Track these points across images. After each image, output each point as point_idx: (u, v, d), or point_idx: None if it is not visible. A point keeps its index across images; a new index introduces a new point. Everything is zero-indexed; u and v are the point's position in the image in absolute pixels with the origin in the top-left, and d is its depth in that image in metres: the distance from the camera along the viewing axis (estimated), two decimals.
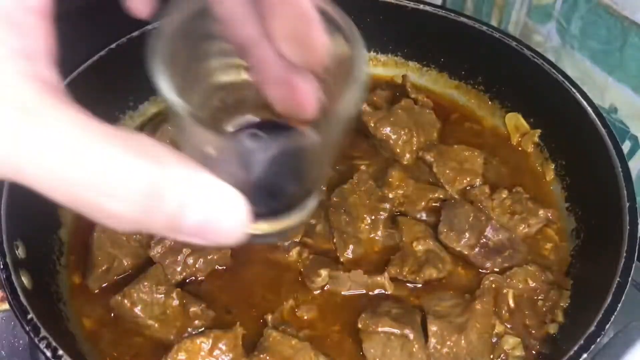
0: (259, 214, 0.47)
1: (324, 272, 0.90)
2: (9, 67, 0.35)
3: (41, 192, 0.36)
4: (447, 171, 1.02)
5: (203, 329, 0.85)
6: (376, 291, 0.91)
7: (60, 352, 0.73)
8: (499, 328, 0.87)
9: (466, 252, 0.93)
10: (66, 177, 0.35)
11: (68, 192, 0.36)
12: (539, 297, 0.90)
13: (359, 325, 0.83)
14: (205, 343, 0.80)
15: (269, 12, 0.51)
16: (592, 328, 0.76)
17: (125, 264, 0.91)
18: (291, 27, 0.50)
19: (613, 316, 0.77)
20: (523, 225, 0.96)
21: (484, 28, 1.09)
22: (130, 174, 0.36)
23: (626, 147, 1.09)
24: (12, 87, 0.35)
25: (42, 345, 0.73)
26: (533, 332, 0.87)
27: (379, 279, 0.90)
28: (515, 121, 1.12)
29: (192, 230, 0.39)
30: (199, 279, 0.91)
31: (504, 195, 0.99)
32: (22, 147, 0.34)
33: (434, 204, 1.00)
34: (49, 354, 0.72)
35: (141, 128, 1.10)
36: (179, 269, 0.89)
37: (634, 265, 0.81)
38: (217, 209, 0.39)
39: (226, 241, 0.40)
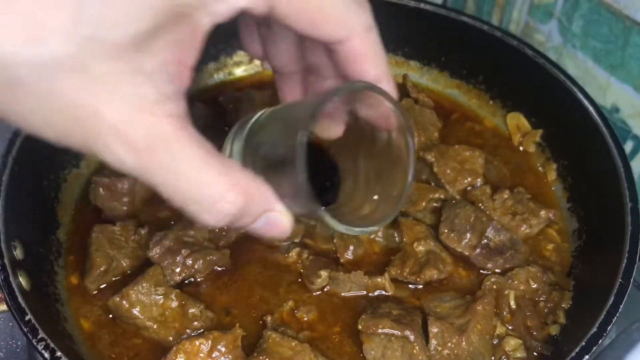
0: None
1: (324, 273, 0.90)
2: (158, 109, 0.49)
3: (161, 193, 0.52)
4: (448, 171, 1.02)
5: (202, 330, 0.85)
6: (376, 292, 0.90)
7: (59, 353, 0.72)
8: (500, 329, 0.86)
9: (467, 253, 0.92)
10: (181, 191, 0.52)
11: (177, 200, 0.53)
12: (541, 298, 0.89)
13: (359, 327, 0.83)
14: (204, 344, 0.80)
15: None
16: (594, 329, 0.76)
17: (124, 264, 0.90)
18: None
19: (615, 317, 0.77)
20: (524, 226, 0.96)
21: (485, 27, 1.08)
22: (228, 205, 0.53)
23: (628, 147, 1.09)
24: (160, 124, 0.50)
25: (40, 347, 0.73)
26: (534, 333, 0.87)
27: (379, 280, 0.89)
28: (516, 121, 1.11)
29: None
30: (198, 280, 0.91)
31: (505, 196, 0.98)
32: (159, 165, 0.50)
33: (434, 204, 0.99)
34: (47, 355, 0.72)
35: None
36: (177, 270, 0.89)
37: (635, 266, 0.81)
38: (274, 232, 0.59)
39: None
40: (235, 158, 0.64)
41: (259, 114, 0.66)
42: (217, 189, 0.52)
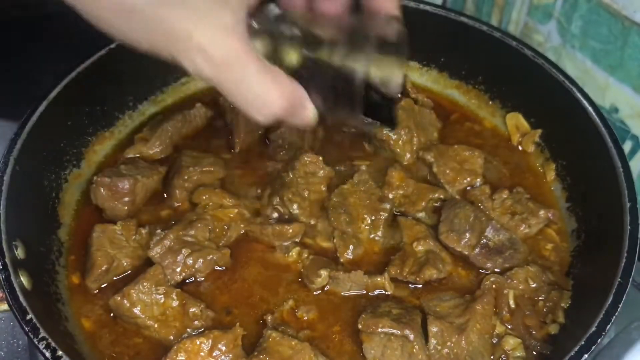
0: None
1: (324, 273, 0.90)
2: (234, 33, 0.65)
3: (226, 97, 0.68)
4: (448, 171, 1.02)
5: (202, 329, 0.85)
6: (376, 292, 0.90)
7: (60, 352, 0.73)
8: (499, 328, 0.87)
9: (466, 253, 0.92)
10: (245, 98, 0.68)
11: (240, 104, 0.68)
12: (540, 298, 0.90)
13: (359, 326, 0.83)
14: (204, 343, 0.80)
15: None
16: (593, 328, 0.76)
17: (125, 264, 0.91)
18: None
19: (614, 317, 0.77)
20: (524, 226, 0.96)
21: (485, 28, 1.09)
22: (277, 109, 0.69)
23: (627, 147, 1.09)
24: (234, 47, 0.65)
25: (41, 346, 0.73)
26: (534, 332, 0.87)
27: (379, 279, 0.89)
28: (515, 121, 1.12)
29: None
30: (199, 279, 0.91)
31: (505, 196, 0.99)
32: (230, 78, 0.66)
33: (434, 204, 1.00)
34: (48, 354, 0.72)
35: (140, 127, 1.10)
36: (178, 269, 0.89)
37: (634, 265, 0.81)
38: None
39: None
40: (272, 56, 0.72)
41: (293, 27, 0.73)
42: (272, 96, 0.67)
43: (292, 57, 0.71)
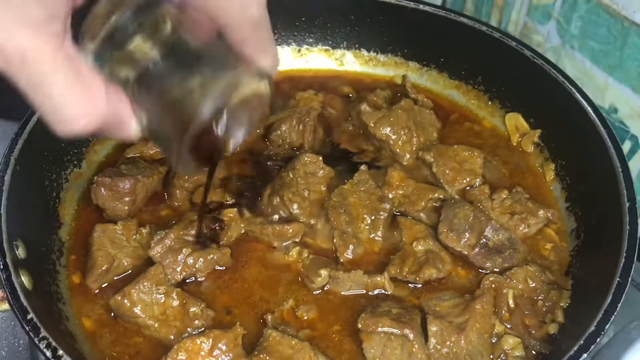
0: None
1: (324, 272, 0.90)
2: (44, 28, 0.55)
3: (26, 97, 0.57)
4: (447, 171, 1.02)
5: (203, 329, 0.85)
6: (376, 291, 0.91)
7: (60, 352, 0.73)
8: (498, 328, 0.87)
9: (466, 252, 0.93)
10: (43, 105, 0.58)
11: (38, 109, 0.58)
12: (539, 297, 0.90)
13: (359, 325, 0.83)
14: (205, 343, 0.80)
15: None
16: (592, 328, 0.76)
17: (125, 264, 0.91)
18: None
19: (613, 316, 0.77)
20: (523, 225, 0.96)
21: (484, 28, 1.09)
22: (80, 128, 0.59)
23: (626, 147, 1.09)
24: (39, 44, 0.55)
25: (42, 345, 0.73)
26: (533, 332, 0.87)
27: (378, 279, 0.90)
28: (515, 121, 1.12)
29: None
30: (199, 279, 0.91)
31: (504, 196, 0.99)
32: (27, 79, 0.56)
33: (434, 204, 1.00)
34: (48, 354, 0.73)
35: None
36: (178, 269, 0.89)
37: (633, 265, 0.81)
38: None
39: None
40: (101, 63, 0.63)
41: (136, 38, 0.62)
42: (75, 111, 0.58)
43: (134, 60, 0.61)
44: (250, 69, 0.66)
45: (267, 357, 0.80)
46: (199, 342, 0.80)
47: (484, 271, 0.93)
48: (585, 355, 0.74)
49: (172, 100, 0.61)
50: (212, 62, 0.63)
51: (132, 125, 0.63)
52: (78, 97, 0.58)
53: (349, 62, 1.24)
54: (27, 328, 0.75)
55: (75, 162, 1.02)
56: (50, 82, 0.56)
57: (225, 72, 0.63)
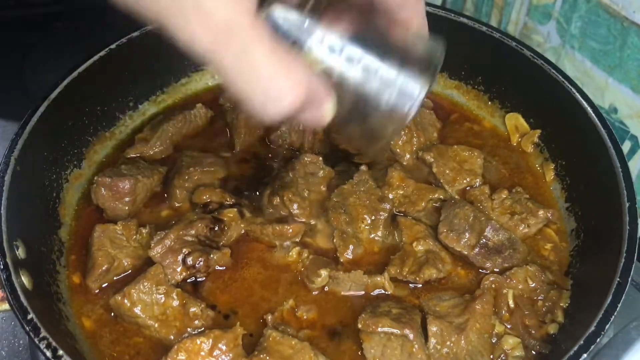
0: None
1: (324, 273, 0.90)
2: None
3: (226, 82, 0.55)
4: (447, 171, 1.02)
5: (203, 329, 0.85)
6: (376, 291, 0.91)
7: (60, 352, 0.73)
8: (498, 328, 0.87)
9: (466, 252, 0.93)
10: (249, 81, 0.55)
11: (243, 89, 0.55)
12: (539, 297, 0.90)
13: (359, 325, 0.83)
14: (205, 343, 0.80)
15: None
16: (592, 328, 0.76)
17: (125, 264, 0.91)
18: None
19: (613, 316, 0.77)
20: (523, 226, 0.96)
21: (484, 28, 1.09)
22: (290, 103, 0.55)
23: (626, 147, 1.09)
24: (242, 14, 0.53)
25: (42, 345, 0.73)
26: (533, 332, 0.87)
27: (378, 279, 0.90)
28: (515, 121, 1.12)
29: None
30: (199, 279, 0.91)
31: (504, 196, 0.99)
32: (232, 51, 0.53)
33: (433, 204, 1.00)
34: (49, 354, 0.73)
35: (141, 127, 1.10)
36: (178, 269, 0.89)
37: (633, 265, 0.81)
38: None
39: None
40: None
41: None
42: (282, 83, 0.55)
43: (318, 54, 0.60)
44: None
45: (267, 357, 0.80)
46: (199, 342, 0.80)
47: (484, 271, 0.93)
48: (585, 355, 0.74)
49: (366, 97, 0.62)
50: (393, 48, 0.63)
51: (329, 104, 0.60)
52: (283, 70, 0.55)
53: None
54: (27, 328, 0.75)
55: (75, 162, 1.02)
56: (257, 53, 0.53)
57: (412, 69, 0.64)
